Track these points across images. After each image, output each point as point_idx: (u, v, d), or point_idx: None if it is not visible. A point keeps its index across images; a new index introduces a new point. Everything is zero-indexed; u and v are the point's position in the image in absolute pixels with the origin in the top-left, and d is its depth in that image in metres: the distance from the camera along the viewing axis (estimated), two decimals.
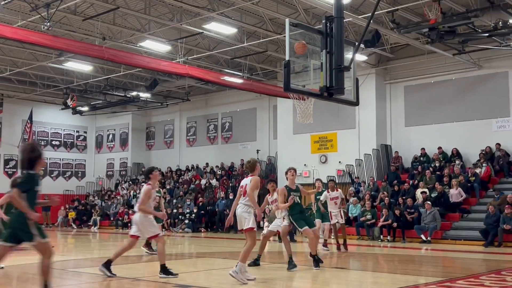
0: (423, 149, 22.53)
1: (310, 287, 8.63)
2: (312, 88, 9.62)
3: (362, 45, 17.73)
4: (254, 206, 8.68)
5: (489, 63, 21.57)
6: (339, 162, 24.29)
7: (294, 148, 25.53)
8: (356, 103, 10.46)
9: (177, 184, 29.84)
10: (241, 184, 8.90)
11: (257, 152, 27.30)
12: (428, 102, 22.99)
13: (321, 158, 25.04)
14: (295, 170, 10.35)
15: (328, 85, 9.37)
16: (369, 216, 19.72)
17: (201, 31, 20.40)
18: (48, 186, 32.95)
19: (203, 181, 28.90)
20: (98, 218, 29.49)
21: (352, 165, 23.70)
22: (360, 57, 21.63)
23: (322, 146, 25.11)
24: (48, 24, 17.07)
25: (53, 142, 34.38)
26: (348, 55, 9.84)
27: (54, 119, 33.92)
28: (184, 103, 30.94)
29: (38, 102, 32.40)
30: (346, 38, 10.72)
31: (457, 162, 21.15)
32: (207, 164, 30.17)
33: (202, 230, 25.33)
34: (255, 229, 8.49)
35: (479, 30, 17.86)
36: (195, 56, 23.27)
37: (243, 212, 8.53)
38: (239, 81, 24.46)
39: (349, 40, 11.45)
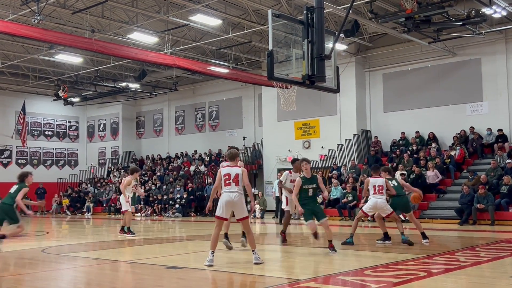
0: (403, 133, 22.69)
1: (293, 266, 8.69)
2: (294, 77, 9.63)
3: (342, 35, 17.78)
4: (251, 198, 8.77)
5: (462, 50, 21.70)
6: (322, 147, 24.40)
7: (279, 134, 25.61)
8: (337, 90, 10.48)
9: (167, 171, 29.77)
10: (226, 172, 8.38)
11: (244, 139, 27.31)
12: (405, 89, 23.12)
13: (304, 143, 25.13)
14: (307, 161, 9.73)
15: (310, 74, 9.39)
16: (350, 198, 19.86)
17: (187, 22, 20.26)
18: (42, 175, 32.74)
19: (192, 168, 28.89)
20: (91, 205, 29.36)
21: (334, 149, 23.80)
22: (340, 46, 21.65)
23: (306, 132, 25.18)
24: (39, 17, 16.84)
25: (46, 132, 34.08)
26: (328, 45, 9.84)
27: (46, 110, 33.60)
28: (172, 93, 30.81)
29: (31, 93, 32.07)
30: (327, 28, 10.72)
31: (433, 145, 21.34)
32: (195, 151, 30.12)
33: (192, 215, 25.35)
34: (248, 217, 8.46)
35: (453, 19, 17.94)
36: (182, 47, 23.12)
37: (240, 201, 8.30)
38: (225, 71, 24.36)
39: (330, 30, 11.46)
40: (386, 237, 11.37)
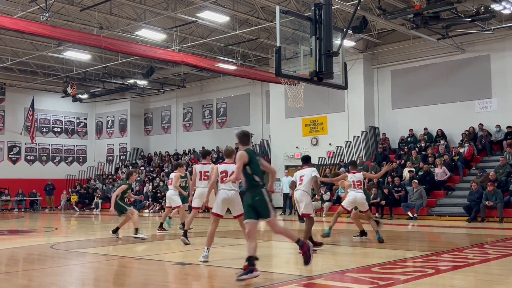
0: (411, 130, 22.60)
1: (300, 262, 8.70)
2: (302, 73, 9.60)
3: (350, 31, 17.69)
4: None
5: (471, 47, 21.56)
6: (330, 144, 24.34)
7: (286, 131, 25.59)
8: (345, 87, 10.45)
9: None
10: (223, 169, 8.57)
11: (251, 136, 27.28)
12: (413, 86, 23.00)
13: (312, 140, 25.09)
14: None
15: (317, 70, 9.36)
16: None
17: (195, 19, 20.25)
18: (51, 171, 33.00)
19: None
20: (100, 201, 29.49)
21: (341, 146, 23.75)
22: (348, 43, 21.56)
23: (313, 129, 25.14)
24: (47, 14, 16.89)
25: (55, 129, 34.24)
26: (336, 41, 9.81)
27: (55, 106, 33.75)
28: (180, 90, 30.83)
29: (39, 90, 32.21)
30: (335, 25, 10.69)
31: (441, 142, 21.23)
32: (203, 147, 30.04)
33: (200, 211, 25.35)
34: None
35: (462, 15, 17.81)
36: (189, 44, 23.13)
37: (237, 197, 8.38)
38: (233, 67, 24.36)
39: (338, 27, 11.42)
40: (363, 233, 11.44)
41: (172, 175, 13.59)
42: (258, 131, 28.20)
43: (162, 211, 26.19)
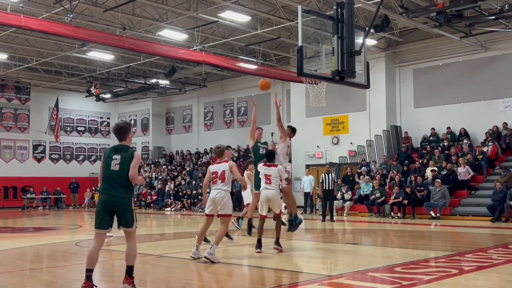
0: (433, 129, 22.35)
1: (322, 261, 8.66)
2: (324, 72, 9.57)
3: (372, 30, 17.53)
4: (243, 185, 9.26)
5: (495, 45, 21.23)
6: (351, 143, 24.21)
7: (307, 130, 25.43)
8: (367, 86, 10.39)
9: (196, 166, 30.00)
10: (214, 170, 8.46)
11: (272, 135, 27.28)
12: (436, 84, 22.74)
13: (333, 139, 24.99)
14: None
15: (339, 69, 9.31)
16: (378, 194, 19.69)
17: (217, 19, 20.32)
18: (75, 170, 33.44)
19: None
20: None
21: (363, 145, 23.60)
22: (370, 42, 21.42)
23: (334, 128, 25.03)
24: (71, 15, 17.12)
25: (79, 128, 34.69)
26: (358, 40, 9.75)
27: (78, 106, 34.19)
28: (201, 89, 30.96)
29: (63, 90, 32.66)
30: (357, 24, 10.62)
31: (465, 141, 20.96)
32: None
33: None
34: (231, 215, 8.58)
35: (486, 13, 17.56)
36: (211, 43, 23.22)
37: (222, 197, 8.33)
38: (254, 67, 24.38)
39: (360, 26, 11.35)
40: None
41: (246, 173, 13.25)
42: (278, 132, 28.06)
43: (184, 209, 26.37)
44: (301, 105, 25.64)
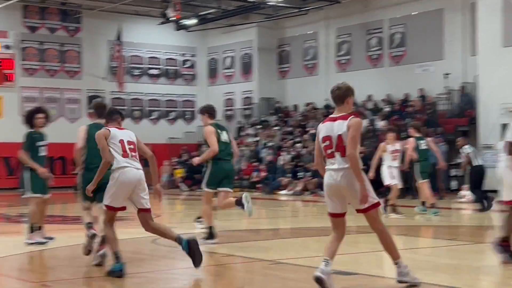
0: None
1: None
2: None
3: None
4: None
5: None
6: None
7: (505, 68, 24.16)
8: None
9: None
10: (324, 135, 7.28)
11: (445, 77, 26.28)
12: None
13: None
14: None
15: None
16: None
17: None
18: (148, 133, 34.13)
19: (364, 122, 28.40)
20: None
21: None
22: None
23: None
24: None
25: (150, 72, 35.57)
26: None
27: (150, 38, 34.99)
28: (332, 7, 30.67)
29: (128, 15, 33.54)
30: None
31: None
32: (368, 97, 29.64)
33: None
34: None
35: None
36: None
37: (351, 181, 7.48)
38: None
39: None
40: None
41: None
42: (457, 70, 27.14)
43: (306, 192, 26.17)
44: (496, 28, 24.43)
